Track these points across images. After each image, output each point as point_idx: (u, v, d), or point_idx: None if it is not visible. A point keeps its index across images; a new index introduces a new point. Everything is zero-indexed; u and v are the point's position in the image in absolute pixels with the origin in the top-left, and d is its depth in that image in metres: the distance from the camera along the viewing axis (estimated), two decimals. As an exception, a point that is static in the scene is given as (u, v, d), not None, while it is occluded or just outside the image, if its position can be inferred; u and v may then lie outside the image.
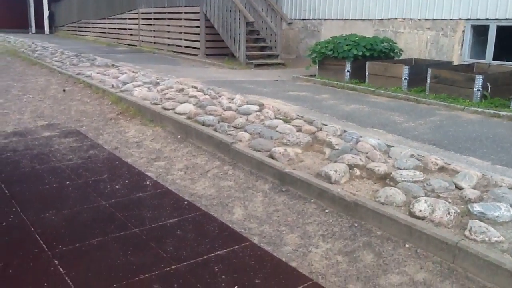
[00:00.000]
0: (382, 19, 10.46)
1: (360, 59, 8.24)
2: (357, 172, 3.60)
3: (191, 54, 12.36)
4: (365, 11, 10.76)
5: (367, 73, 7.93)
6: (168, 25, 13.42)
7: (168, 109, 5.43)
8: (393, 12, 10.18)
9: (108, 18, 17.19)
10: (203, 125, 4.79)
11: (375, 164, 3.66)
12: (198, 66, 10.75)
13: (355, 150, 3.98)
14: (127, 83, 6.99)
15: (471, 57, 9.03)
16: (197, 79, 8.34)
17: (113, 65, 9.66)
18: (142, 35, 15.02)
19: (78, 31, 20.10)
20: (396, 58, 8.71)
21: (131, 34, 15.76)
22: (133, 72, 8.26)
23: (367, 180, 3.54)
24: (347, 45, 8.21)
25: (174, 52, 13.08)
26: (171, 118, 5.12)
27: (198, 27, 12.03)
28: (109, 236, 2.86)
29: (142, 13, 14.82)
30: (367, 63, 7.91)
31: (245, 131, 4.57)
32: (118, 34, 16.61)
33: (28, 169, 3.98)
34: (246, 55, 10.60)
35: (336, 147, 4.10)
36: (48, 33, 22.57)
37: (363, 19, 10.87)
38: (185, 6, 12.45)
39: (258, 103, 5.65)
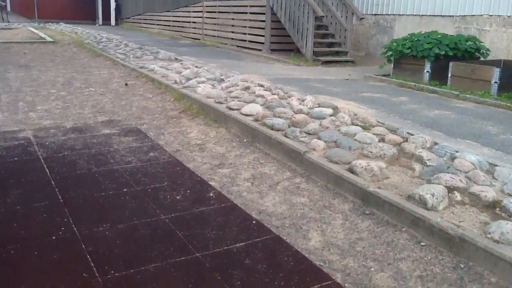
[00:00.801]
0: (464, 16, 9.56)
1: (441, 59, 7.48)
2: (458, 196, 3.01)
3: (255, 49, 11.95)
4: (445, 6, 9.90)
5: (449, 75, 7.17)
6: (233, 19, 13.08)
7: (234, 109, 5.02)
8: (478, 8, 9.26)
9: (172, 11, 17.14)
10: (271, 129, 4.33)
11: (479, 188, 3.06)
12: (262, 62, 10.32)
13: (452, 168, 3.37)
14: (191, 79, 6.67)
15: None
16: (262, 76, 7.90)
17: (176, 59, 9.41)
18: (205, 29, 14.80)
19: (143, 23, 20.26)
20: (482, 59, 7.85)
21: (194, 27, 15.59)
22: (196, 67, 7.94)
23: (471, 207, 2.95)
24: (427, 43, 7.48)
25: (238, 46, 12.73)
26: (237, 120, 4.70)
27: (264, 21, 11.59)
28: (168, 261, 2.47)
29: (206, 6, 14.58)
30: (451, 63, 7.15)
31: (319, 138, 4.07)
32: (182, 27, 16.50)
33: (84, 171, 3.69)
34: (313, 51, 10.04)
35: (428, 163, 3.51)
36: (114, 25, 22.97)
37: (443, 15, 10.01)
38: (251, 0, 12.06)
39: (332, 106, 5.12)
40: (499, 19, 8.94)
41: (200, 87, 5.96)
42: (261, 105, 5.09)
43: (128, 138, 4.60)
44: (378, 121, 4.61)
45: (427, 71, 7.56)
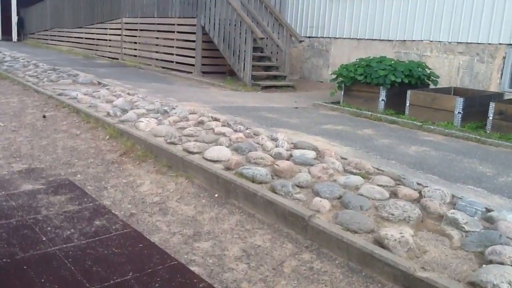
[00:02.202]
0: (404, 41, 9.38)
1: (396, 87, 7.07)
2: (530, 279, 2.32)
3: (184, 71, 10.97)
4: (384, 30, 9.68)
5: (407, 104, 6.75)
6: (157, 38, 12.00)
7: (194, 152, 4.05)
8: (419, 33, 9.12)
9: (85, 27, 15.61)
10: (252, 181, 3.44)
11: (552, 267, 2.40)
12: (196, 86, 9.37)
13: (503, 236, 2.70)
14: (127, 110, 5.57)
15: (511, 87, 8.01)
16: (204, 104, 6.97)
17: (99, 83, 8.17)
18: (125, 47, 13.52)
19: (51, 39, 18.38)
20: (432, 86, 7.59)
21: (112, 46, 14.23)
22: (128, 94, 6.82)
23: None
24: (382, 70, 7.03)
25: (164, 68, 11.66)
26: (202, 168, 3.74)
27: (194, 41, 10.67)
28: None
29: (126, 23, 13.35)
30: (409, 92, 6.74)
31: (318, 194, 3.25)
32: (97, 45, 15.04)
33: (4, 260, 2.53)
34: (251, 75, 9.29)
35: (466, 227, 2.83)
36: (16, 40, 20.72)
37: (381, 40, 9.78)
38: (179, 17, 11.09)
39: (311, 147, 4.34)
40: (440, 45, 8.84)
41: (142, 122, 4.90)
42: (226, 146, 4.18)
43: (60, 198, 3.45)
44: (376, 168, 3.90)
45: (382, 100, 7.10)
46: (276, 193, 3.27)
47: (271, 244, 2.90)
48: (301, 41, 10.03)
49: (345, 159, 4.08)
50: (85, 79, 8.22)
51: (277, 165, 3.64)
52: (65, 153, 4.52)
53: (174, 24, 11.30)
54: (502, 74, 8.06)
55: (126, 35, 13.38)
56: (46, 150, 4.56)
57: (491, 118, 5.92)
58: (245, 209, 3.34)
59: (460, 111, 6.21)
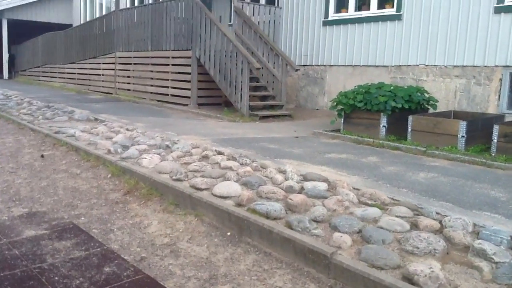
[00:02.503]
0: (400, 66, 9.42)
1: (396, 112, 7.04)
2: None
3: (179, 104, 10.91)
4: (379, 56, 9.72)
5: (409, 129, 6.70)
6: (152, 71, 11.98)
7: (202, 189, 3.92)
8: (414, 58, 9.16)
9: (78, 63, 15.60)
10: (267, 217, 3.30)
11: None
12: (193, 119, 9.29)
13: (536, 267, 2.58)
14: (128, 147, 5.45)
15: (509, 109, 8.02)
16: (204, 137, 6.87)
17: (96, 119, 8.06)
18: (118, 82, 13.48)
19: (43, 76, 18.34)
20: (432, 111, 7.56)
21: (105, 80, 14.19)
22: (127, 130, 6.70)
23: None
24: (382, 96, 7.00)
25: (159, 101, 11.60)
26: (212, 205, 3.61)
27: (189, 73, 10.66)
28: None
29: (119, 57, 13.35)
30: (410, 117, 6.70)
31: (336, 229, 3.13)
32: (90, 80, 15.00)
33: (11, 317, 2.36)
34: (249, 105, 9.24)
35: (495, 258, 2.71)
36: (7, 78, 20.63)
37: (377, 66, 9.82)
38: (174, 50, 11.10)
39: (322, 178, 4.23)
40: (436, 69, 8.88)
41: (145, 158, 4.77)
42: (235, 181, 4.05)
43: (65, 243, 3.29)
44: (392, 198, 3.78)
45: (383, 126, 7.05)
46: (292, 229, 3.14)
47: (293, 285, 2.75)
48: (297, 70, 10.05)
49: (358, 189, 3.97)
50: (81, 116, 8.10)
51: (290, 199, 3.52)
52: (66, 194, 4.37)
53: (168, 57, 11.30)
54: (499, 95, 8.07)
55: (119, 69, 13.36)
56: (46, 192, 4.41)
57: (495, 141, 5.87)
58: (260, 248, 3.20)
59: (464, 134, 6.16)
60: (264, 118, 9.22)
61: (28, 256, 3.05)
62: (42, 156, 5.56)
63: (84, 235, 3.44)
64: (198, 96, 10.65)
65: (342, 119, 7.60)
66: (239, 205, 3.57)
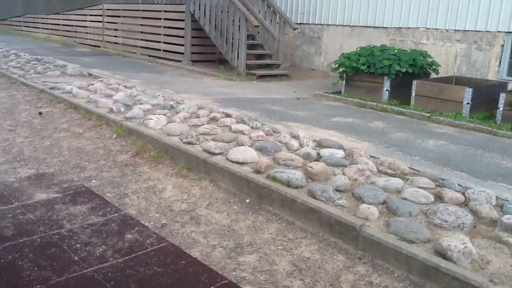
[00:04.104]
0: (399, 28, 9.25)
1: (400, 77, 6.94)
2: None
3: (172, 60, 10.61)
4: (379, 17, 9.51)
5: (413, 94, 6.63)
6: (142, 25, 11.56)
7: (215, 153, 3.82)
8: (414, 20, 8.99)
9: (63, 13, 14.96)
10: (288, 186, 3.24)
11: None
12: (188, 76, 9.05)
13: None
14: (130, 106, 5.27)
15: (509, 75, 8.00)
16: (204, 96, 6.71)
17: (90, 74, 7.78)
18: (107, 35, 13.01)
19: (24, 26, 17.59)
20: (435, 76, 7.49)
21: (91, 33, 13.67)
22: (126, 87, 6.48)
23: None
24: (387, 60, 6.88)
25: (150, 56, 11.26)
26: (230, 172, 3.52)
27: (182, 28, 10.30)
28: None
29: (107, 9, 12.82)
30: (415, 82, 6.62)
31: (360, 199, 3.08)
32: (76, 32, 14.44)
33: (39, 286, 2.27)
34: (246, 64, 9.02)
35: (524, 233, 2.70)
36: (-15, 27, 19.75)
37: (376, 27, 9.63)
38: (166, 4, 10.68)
39: (337, 145, 4.16)
40: (437, 32, 8.74)
41: (151, 119, 4.62)
42: (249, 146, 3.95)
43: (80, 208, 3.18)
44: (408, 167, 3.74)
45: (386, 90, 6.97)
46: (316, 198, 3.08)
47: (321, 256, 2.72)
48: (295, 29, 9.80)
49: (377, 158, 3.92)
50: (74, 71, 7.81)
51: (310, 167, 3.44)
52: (72, 154, 4.22)
53: (160, 11, 10.89)
54: (500, 62, 8.02)
55: (107, 22, 12.86)
56: (51, 152, 4.25)
57: (501, 109, 5.85)
58: (282, 216, 3.14)
59: (469, 101, 6.13)
60: (261, 77, 9.04)
61: (44, 222, 2.94)
62: (40, 113, 5.35)
63: (98, 199, 3.33)
64: (192, 53, 10.35)
65: (344, 82, 7.48)
66: (257, 171, 3.49)
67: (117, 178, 3.74)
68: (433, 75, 7.61)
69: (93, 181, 3.67)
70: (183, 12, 10.16)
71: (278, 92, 7.70)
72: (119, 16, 12.34)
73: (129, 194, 3.47)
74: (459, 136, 5.38)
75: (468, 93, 6.13)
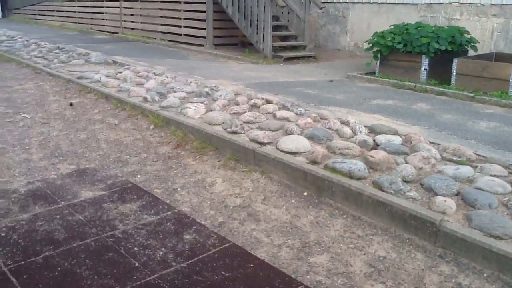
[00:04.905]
0: (431, 4, 8.86)
1: (438, 55, 6.62)
2: None
3: (194, 44, 10.36)
4: (409, -7, 9.12)
5: (454, 73, 6.32)
6: (161, 9, 11.30)
7: (264, 143, 3.60)
8: (447, -5, 8.59)
9: (78, 1, 14.72)
10: (350, 177, 3.01)
11: None
12: (213, 60, 8.81)
13: None
14: (164, 94, 5.06)
15: (550, 50, 7.61)
16: (234, 82, 6.48)
17: (114, 62, 7.57)
18: (125, 21, 12.77)
19: (39, 15, 17.41)
20: (475, 53, 7.14)
21: (109, 19, 13.44)
22: (155, 74, 6.26)
23: None
24: (425, 37, 6.55)
25: (170, 41, 11.02)
26: (283, 163, 3.30)
27: (203, 11, 10.03)
28: None
29: (124, -6, 12.56)
30: (456, 60, 6.29)
31: (431, 190, 2.84)
32: (92, 19, 14.22)
33: (103, 298, 2.10)
34: (272, 46, 8.73)
35: None
36: (1, 17, 19.62)
37: (405, 3, 9.24)
38: (186, -13, 10.39)
39: (392, 130, 3.91)
40: (471, 7, 8.35)
41: (190, 108, 4.40)
42: (298, 134, 3.72)
43: (130, 206, 2.99)
44: (476, 153, 3.48)
45: (424, 69, 6.65)
46: (383, 191, 2.85)
47: (398, 255, 2.50)
48: (321, 8, 9.45)
49: (438, 144, 3.66)
50: (98, 58, 7.60)
51: (371, 156, 3.21)
52: (111, 147, 4.03)
53: (180, -6, 10.60)
54: (541, 36, 7.63)
55: (125, 7, 12.61)
56: (89, 146, 4.06)
57: (551, 86, 5.52)
58: (346, 211, 2.92)
59: (516, 79, 5.80)
60: (288, 59, 8.75)
61: (95, 223, 2.76)
62: (71, 104, 5.17)
63: (147, 196, 3.14)
64: (214, 36, 10.08)
65: (378, 62, 7.17)
66: (313, 162, 3.26)
67: (162, 172, 3.54)
68: (470, 53, 7.27)
69: (138, 176, 3.48)
70: (204, -6, 9.86)
71: (308, 75, 7.43)
72: (137, 1, 12.08)
73: (178, 189, 3.27)
74: (509, 116, 5.09)
75: (515, 70, 5.79)
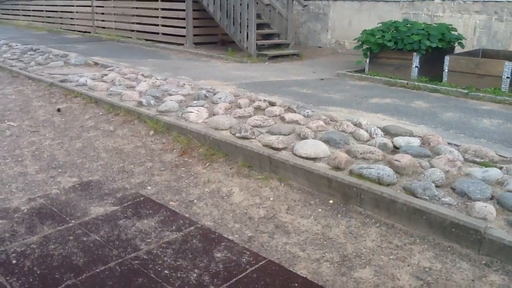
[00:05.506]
0: (413, 1, 8.88)
1: (428, 52, 6.60)
2: None
3: (173, 43, 10.07)
4: (390, -10, 9.11)
5: (445, 70, 6.31)
6: (136, 8, 10.94)
7: (279, 148, 3.43)
8: (429, -8, 8.62)
9: (46, -1, 14.15)
10: (379, 183, 2.88)
11: None
12: (196, 60, 8.56)
13: None
14: (159, 98, 4.81)
15: (532, 46, 7.74)
16: (225, 82, 6.29)
17: (96, 63, 7.23)
18: (97, 20, 12.32)
19: (2, 13, 16.66)
20: (462, 50, 7.16)
21: (80, 19, 12.94)
22: (144, 76, 5.99)
23: None
24: (416, 35, 6.52)
25: (148, 40, 10.69)
26: (303, 169, 3.14)
27: (182, 10, 9.75)
28: None
29: (96, -8, 12.11)
30: (447, 57, 6.29)
31: (465, 195, 2.75)
32: (62, 18, 13.68)
33: (145, 331, 1.89)
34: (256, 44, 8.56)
35: None
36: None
37: (387, 1, 9.24)
38: (163, -16, 10.08)
39: (407, 132, 3.81)
40: (453, 4, 8.40)
41: (192, 112, 4.19)
42: (312, 138, 3.57)
43: (148, 222, 2.77)
44: (497, 154, 3.40)
45: (416, 66, 6.62)
46: (417, 197, 2.73)
47: (443, 265, 2.38)
48: (305, 6, 9.32)
49: (457, 145, 3.58)
50: (78, 60, 7.24)
51: (396, 160, 3.09)
52: (111, 156, 3.78)
53: (157, -8, 10.28)
54: (523, 32, 7.74)
55: (97, 6, 12.16)
56: (87, 155, 3.80)
57: (545, 82, 5.57)
58: (378, 219, 2.79)
59: (509, 75, 5.83)
60: (272, 58, 8.60)
61: (114, 243, 2.53)
62: (58, 110, 4.86)
63: (164, 210, 2.93)
64: (194, 35, 9.82)
65: (368, 59, 7.11)
66: (336, 168, 3.12)
67: (173, 183, 3.33)
68: (457, 49, 7.30)
69: (148, 187, 3.25)
70: (183, -8, 9.59)
71: (297, 73, 7.30)
72: (110, 0, 11.67)
73: (195, 201, 3.07)
74: (509, 113, 5.09)
75: (508, 67, 5.82)
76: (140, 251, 2.46)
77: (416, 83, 6.39)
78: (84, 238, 2.57)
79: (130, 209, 2.92)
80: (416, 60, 6.60)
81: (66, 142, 4.05)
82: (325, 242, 2.61)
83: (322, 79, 6.86)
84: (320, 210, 2.94)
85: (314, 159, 3.26)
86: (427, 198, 2.72)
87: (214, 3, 9.04)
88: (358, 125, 3.89)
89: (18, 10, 15.71)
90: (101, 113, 4.75)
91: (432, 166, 3.12)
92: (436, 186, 2.87)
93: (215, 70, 7.36)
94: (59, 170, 3.51)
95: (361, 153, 3.27)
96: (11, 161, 3.64)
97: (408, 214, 2.68)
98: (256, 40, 8.74)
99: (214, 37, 10.23)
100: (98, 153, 3.83)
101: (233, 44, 9.12)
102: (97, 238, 2.57)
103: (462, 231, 2.48)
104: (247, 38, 8.55)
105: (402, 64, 6.73)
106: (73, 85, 5.54)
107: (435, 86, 6.19)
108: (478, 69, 6.05)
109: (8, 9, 16.27)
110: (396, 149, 3.46)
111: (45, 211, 2.87)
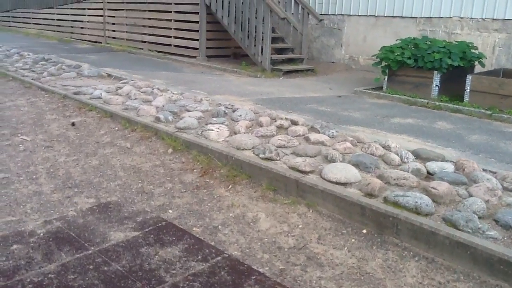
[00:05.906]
0: (430, 17, 8.74)
1: (449, 71, 6.45)
2: None
3: (185, 56, 9.97)
4: (407, 6, 8.99)
5: (467, 90, 6.14)
6: (150, 18, 10.87)
7: (306, 171, 3.27)
8: (447, 9, 8.49)
9: (57, 7, 14.12)
10: (417, 213, 2.71)
11: None
12: (209, 74, 8.44)
13: None
14: (178, 113, 4.68)
15: (553, 65, 7.58)
16: (241, 97, 6.15)
17: (109, 75, 7.12)
18: (108, 30, 12.27)
19: (13, 22, 16.68)
20: (482, 69, 7.01)
21: (91, 28, 12.90)
22: (160, 90, 5.86)
23: None
24: (437, 53, 6.37)
25: (160, 52, 10.59)
26: (334, 195, 2.98)
27: (195, 22, 9.67)
28: None
29: (108, 2, 12.06)
30: (470, 77, 6.13)
31: (510, 227, 2.57)
32: (73, 27, 13.65)
33: None
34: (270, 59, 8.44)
35: None
36: (-29, 23, 18.71)
37: (403, 17, 9.11)
38: (177, -4, 10.01)
39: (439, 156, 3.64)
40: (472, 21, 8.27)
41: (212, 130, 4.04)
42: (340, 161, 3.41)
43: (172, 250, 2.61)
44: (538, 182, 3.24)
45: (436, 85, 6.47)
46: (459, 229, 2.56)
47: (493, 308, 2.21)
48: (321, 20, 9.20)
49: (490, 171, 3.41)
50: (91, 71, 7.13)
51: (434, 188, 2.92)
52: (129, 176, 3.62)
53: (171, 3, 10.21)
54: (544, 51, 7.59)
55: (109, 16, 12.11)
56: (104, 174, 3.65)
57: None
58: (417, 252, 2.62)
59: (534, 97, 5.66)
60: (287, 73, 8.47)
61: (137, 274, 2.36)
62: (73, 124, 4.73)
63: (187, 236, 2.76)
64: (207, 48, 9.72)
65: (386, 77, 6.96)
66: (369, 194, 2.95)
67: (195, 206, 3.16)
68: (477, 68, 7.15)
69: (170, 211, 3.09)
70: (197, 4, 9.51)
71: (313, 90, 7.16)
72: (122, 10, 11.61)
73: (219, 227, 2.90)
74: (538, 136, 4.92)
75: (533, 87, 5.66)
76: (165, 284, 2.29)
77: (437, 102, 6.23)
78: (105, 268, 2.40)
79: (152, 235, 2.76)
80: (436, 79, 6.45)
81: (81, 159, 3.90)
82: (362, 277, 2.43)
83: (340, 96, 6.71)
84: (353, 240, 2.77)
85: (344, 184, 3.10)
86: (470, 230, 2.55)
87: (228, 16, 8.95)
88: (387, 147, 3.73)
89: (29, 18, 15.71)
90: (117, 128, 4.62)
91: (470, 195, 2.95)
92: (478, 218, 2.70)
93: (230, 85, 7.23)
94: (75, 189, 3.36)
95: (394, 179, 3.10)
96: (25, 178, 3.49)
97: (450, 248, 2.51)
98: (271, 54, 8.63)
99: (227, 50, 10.13)
100: (115, 172, 3.68)
101: (246, 58, 9.01)
102: (119, 267, 2.41)
103: (511, 269, 2.30)
104: (262, 52, 8.43)
105: (422, 82, 6.58)
106: (87, 97, 5.41)
107: (457, 106, 6.02)
108: (501, 90, 5.89)
109: (19, 17, 16.28)
110: (429, 175, 3.29)
111: (62, 235, 2.72)
